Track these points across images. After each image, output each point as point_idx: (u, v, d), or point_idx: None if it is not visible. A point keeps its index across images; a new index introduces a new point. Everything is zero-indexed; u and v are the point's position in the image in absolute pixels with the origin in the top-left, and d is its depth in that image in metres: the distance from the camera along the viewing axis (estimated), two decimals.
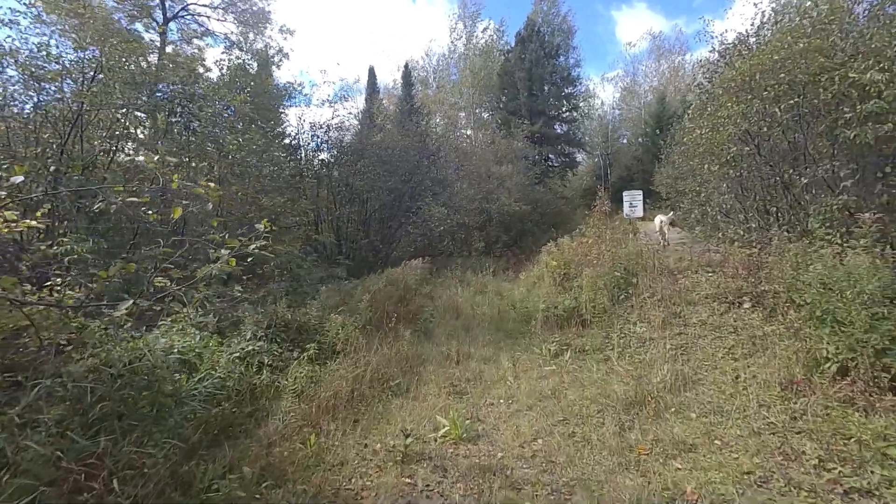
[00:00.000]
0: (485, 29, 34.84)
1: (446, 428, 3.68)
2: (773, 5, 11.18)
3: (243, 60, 20.55)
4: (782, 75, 6.95)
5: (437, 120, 34.11)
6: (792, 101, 6.57)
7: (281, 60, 20.41)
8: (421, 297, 9.91)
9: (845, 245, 6.21)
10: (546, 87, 31.75)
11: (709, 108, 9.01)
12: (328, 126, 16.20)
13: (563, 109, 33.07)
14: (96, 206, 2.89)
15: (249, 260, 3.47)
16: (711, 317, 5.55)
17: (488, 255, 20.77)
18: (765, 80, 7.20)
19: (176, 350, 3.73)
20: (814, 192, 7.43)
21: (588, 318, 6.20)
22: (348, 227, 14.81)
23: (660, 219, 11.92)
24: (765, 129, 7.14)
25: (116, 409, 3.16)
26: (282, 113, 18.32)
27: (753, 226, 8.32)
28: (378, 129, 18.09)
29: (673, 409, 3.66)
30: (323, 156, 16.36)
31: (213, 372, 3.82)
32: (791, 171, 7.48)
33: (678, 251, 8.46)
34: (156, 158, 2.46)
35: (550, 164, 33.77)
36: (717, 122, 8.38)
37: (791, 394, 3.64)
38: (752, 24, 9.69)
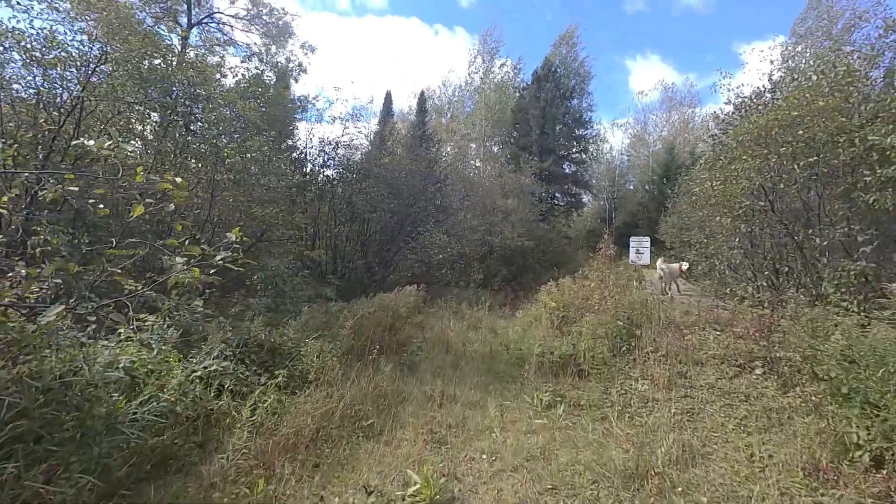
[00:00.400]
0: (502, 65, 35.55)
1: (417, 486, 3.19)
2: (790, 62, 11.18)
3: (261, 71, 20.79)
4: (801, 132, 6.74)
5: (448, 149, 34.37)
6: (812, 159, 6.32)
7: (299, 75, 20.56)
8: (411, 327, 9.44)
9: (863, 314, 5.83)
10: (558, 127, 32.07)
11: (721, 160, 8.80)
12: (336, 143, 16.11)
13: (573, 150, 33.31)
14: (47, 194, 2.52)
15: (233, 272, 3.09)
16: (720, 380, 5.10)
17: (486, 287, 20.35)
18: (782, 136, 6.99)
19: (121, 365, 3.28)
20: (828, 255, 7.10)
21: (586, 368, 5.74)
22: (346, 245, 14.46)
23: (660, 266, 11.22)
24: (781, 185, 6.88)
25: (35, 429, 2.71)
26: (293, 127, 18.36)
27: (764, 284, 7.96)
28: (388, 152, 17.99)
29: (680, 489, 3.18)
30: (328, 172, 16.22)
31: (161, 394, 3.36)
32: (805, 231, 7.17)
33: (684, 304, 8.05)
34: (107, 144, 2.12)
35: (556, 202, 33.77)
36: (730, 175, 8.15)
37: (817, 482, 3.16)
38: (770, 80, 9.62)
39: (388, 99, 38.01)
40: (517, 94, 34.35)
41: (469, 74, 35.86)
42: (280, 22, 20.36)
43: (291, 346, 5.06)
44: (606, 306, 6.76)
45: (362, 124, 18.49)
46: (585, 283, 8.21)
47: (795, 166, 6.33)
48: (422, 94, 31.71)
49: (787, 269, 7.80)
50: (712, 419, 4.32)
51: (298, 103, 18.38)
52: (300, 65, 20.54)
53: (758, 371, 5.21)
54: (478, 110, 35.54)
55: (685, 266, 10.56)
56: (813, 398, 4.22)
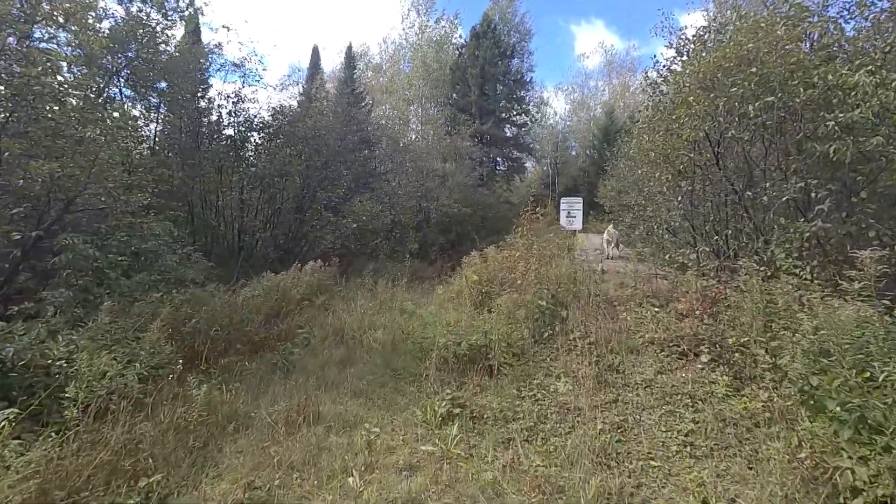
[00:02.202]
0: (438, 19, 33.09)
1: None
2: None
3: (146, 13, 17.47)
4: (753, 69, 5.66)
5: (386, 110, 32.03)
6: (769, 99, 5.26)
7: (193, 14, 17.43)
8: (313, 310, 7.92)
9: (817, 283, 4.96)
10: (498, 87, 30.53)
11: (661, 110, 7.72)
12: (237, 95, 13.77)
13: (514, 112, 32.01)
14: None
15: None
16: (660, 374, 4.03)
17: (423, 258, 19.05)
18: (732, 75, 5.90)
19: None
20: (774, 215, 6.24)
21: (497, 362, 4.50)
22: (245, 217, 12.43)
23: (609, 232, 10.82)
24: (731, 133, 5.82)
25: None
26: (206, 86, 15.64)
27: (706, 249, 7.08)
28: (313, 112, 15.69)
29: None
30: (229, 132, 13.91)
31: None
32: (751, 188, 6.26)
33: (620, 273, 7.04)
34: None
35: (497, 167, 32.65)
36: (672, 125, 7.07)
37: None
38: (715, 20, 8.56)
39: (316, 55, 34.67)
40: (456, 52, 32.27)
41: (404, 30, 33.21)
42: None
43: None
44: (529, 281, 5.54)
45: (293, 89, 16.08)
46: (510, 252, 6.98)
47: (750, 108, 5.26)
48: (349, 48, 29.00)
49: (730, 232, 6.91)
50: (650, 437, 3.19)
51: (194, 54, 15.57)
52: (192, 2, 17.36)
53: (703, 359, 4.18)
54: (415, 69, 33.14)
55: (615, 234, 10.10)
56: (776, 400, 3.20)
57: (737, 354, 4.01)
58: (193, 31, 19.43)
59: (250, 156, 13.72)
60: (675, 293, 5.62)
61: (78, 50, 12.80)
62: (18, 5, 14.62)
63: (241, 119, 13.50)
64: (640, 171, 10.61)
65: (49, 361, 3.37)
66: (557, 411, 3.63)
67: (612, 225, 11.54)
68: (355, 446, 3.40)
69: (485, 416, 3.74)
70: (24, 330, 3.54)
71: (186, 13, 17.78)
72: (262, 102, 14.71)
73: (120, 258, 5.91)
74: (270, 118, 13.87)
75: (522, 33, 33.42)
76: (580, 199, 9.17)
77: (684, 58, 8.13)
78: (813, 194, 5.44)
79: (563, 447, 3.13)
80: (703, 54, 7.04)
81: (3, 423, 2.72)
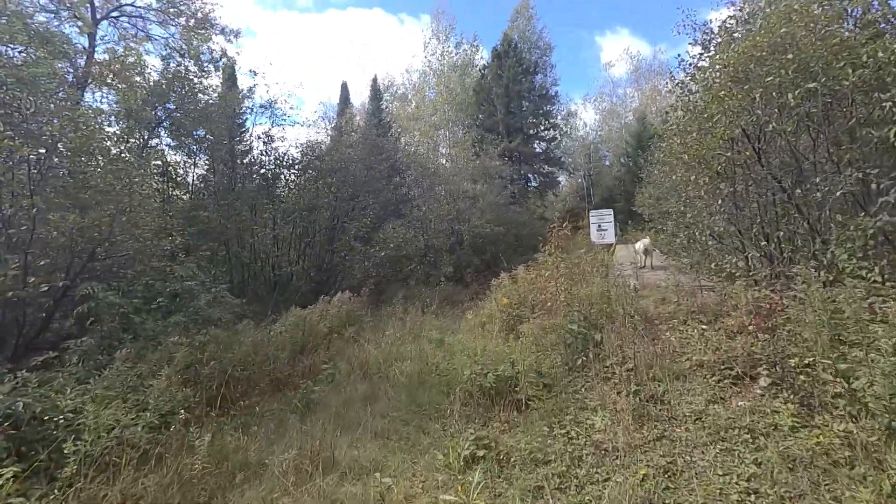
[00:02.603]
0: (458, 44, 33.56)
1: None
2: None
3: (183, 67, 18.67)
4: (790, 55, 5.16)
5: (416, 137, 32.48)
6: (810, 85, 4.74)
7: (224, 63, 18.49)
8: (341, 343, 7.78)
9: (885, 285, 4.32)
10: (524, 104, 30.40)
11: (691, 109, 7.22)
12: (268, 136, 14.30)
13: (542, 128, 31.72)
14: None
15: None
16: (712, 404, 3.53)
17: (459, 280, 18.80)
18: (767, 64, 5.40)
19: None
20: (829, 212, 5.59)
21: (526, 396, 4.11)
22: (279, 252, 12.64)
23: (644, 243, 10.41)
24: (771, 126, 5.28)
25: None
26: (241, 127, 16.48)
27: (757, 255, 6.45)
28: (344, 145, 16.07)
29: None
30: (262, 171, 14.39)
31: None
32: (800, 183, 5.64)
33: (661, 287, 6.50)
34: None
35: (529, 184, 32.23)
36: (705, 124, 6.56)
37: None
38: (741, 10, 8.05)
39: (345, 90, 36.04)
40: (479, 73, 32.54)
41: (426, 57, 33.86)
42: (198, 13, 18.20)
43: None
44: (558, 303, 5.15)
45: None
46: (538, 272, 6.61)
47: (790, 96, 4.74)
48: (374, 80, 29.78)
49: (782, 233, 6.26)
50: (704, 483, 2.72)
51: (230, 99, 16.42)
52: (225, 53, 18.43)
53: (762, 383, 3.65)
54: (440, 94, 33.62)
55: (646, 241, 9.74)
56: (857, 434, 2.67)
57: (801, 377, 3.47)
58: (229, 78, 20.63)
59: (281, 192, 14.10)
60: (723, 307, 5.06)
61: (119, 106, 13.75)
62: (72, 70, 15.89)
63: (271, 158, 13.95)
64: (675, 176, 10.03)
65: (51, 413, 3.32)
66: (594, 452, 3.21)
67: (647, 236, 11.08)
68: (369, 498, 3.11)
69: (512, 459, 3.36)
70: (39, 382, 3.53)
71: (221, 62, 18.95)
72: (292, 139, 15.16)
73: (153, 302, 6.01)
74: (299, 154, 14.28)
75: (543, 48, 33.40)
76: (611, 212, 8.66)
77: (711, 53, 7.64)
78: (873, 185, 4.81)
79: (600, 498, 2.72)
80: (732, 46, 6.58)
81: (2, 482, 2.64)
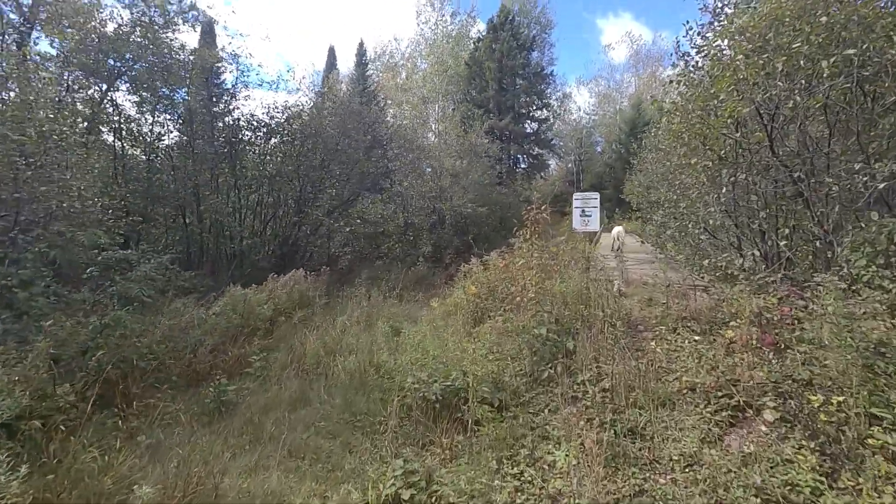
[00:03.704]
0: (453, 13, 31.92)
1: None
2: None
3: (149, 18, 17.03)
4: (824, 18, 4.29)
5: (407, 110, 31.05)
6: (849, 52, 3.89)
7: (195, 18, 16.90)
8: (287, 328, 6.91)
9: None
10: (517, 82, 29.14)
11: (695, 84, 6.34)
12: (231, 92, 13.03)
13: (535, 107, 30.57)
14: None
15: None
16: (706, 445, 2.76)
17: (437, 261, 17.99)
18: (794, 30, 4.53)
19: None
20: (839, 209, 4.85)
21: (473, 417, 3.31)
22: (237, 222, 11.56)
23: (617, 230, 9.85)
24: (794, 100, 4.41)
25: None
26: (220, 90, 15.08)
27: (756, 253, 5.72)
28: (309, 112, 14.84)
29: None
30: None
31: None
32: (814, 175, 4.88)
33: (647, 284, 5.73)
34: None
35: (518, 165, 31.28)
36: (710, 102, 5.70)
37: None
38: None
39: (332, 55, 34.27)
40: (473, 46, 31.05)
41: (418, 25, 32.19)
42: None
43: None
44: (528, 299, 4.33)
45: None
46: (509, 260, 5.78)
47: (824, 64, 3.89)
48: (360, 45, 28.16)
49: (787, 231, 5.50)
50: None
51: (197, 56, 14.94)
52: (194, 5, 16.82)
53: (768, 417, 2.90)
54: (431, 66, 32.09)
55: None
56: None
57: (822, 415, 2.72)
58: (207, 34, 19.03)
59: (245, 158, 12.95)
60: (719, 312, 4.31)
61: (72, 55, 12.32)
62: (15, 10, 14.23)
63: (232, 118, 12.73)
64: (668, 163, 9.23)
65: None
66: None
67: (620, 225, 10.77)
68: None
69: (450, 501, 2.57)
70: None
71: (191, 15, 17.32)
72: (259, 102, 13.92)
73: (50, 273, 5.03)
74: (266, 116, 13.05)
75: (543, 24, 32.01)
76: (597, 195, 7.82)
77: (722, 20, 6.72)
78: None
79: None
80: (750, 10, 5.69)
81: None
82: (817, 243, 4.98)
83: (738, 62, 4.75)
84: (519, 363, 3.89)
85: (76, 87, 12.98)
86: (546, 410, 3.34)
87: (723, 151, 5.84)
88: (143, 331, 5.12)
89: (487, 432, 3.15)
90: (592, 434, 2.80)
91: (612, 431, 2.86)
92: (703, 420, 2.94)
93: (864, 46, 3.87)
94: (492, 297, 6.24)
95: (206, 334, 5.63)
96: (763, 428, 2.89)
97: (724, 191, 5.24)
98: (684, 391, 3.24)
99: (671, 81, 6.17)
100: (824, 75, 3.95)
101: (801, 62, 4.17)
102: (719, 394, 3.10)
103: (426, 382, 3.66)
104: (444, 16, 31.82)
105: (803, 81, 4.33)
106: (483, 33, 29.96)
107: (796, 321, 3.64)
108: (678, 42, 7.63)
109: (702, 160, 5.78)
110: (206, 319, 5.89)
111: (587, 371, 3.48)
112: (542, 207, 5.33)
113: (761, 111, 5.11)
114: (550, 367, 3.58)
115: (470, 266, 7.38)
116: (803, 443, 2.61)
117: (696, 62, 7.14)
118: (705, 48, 6.69)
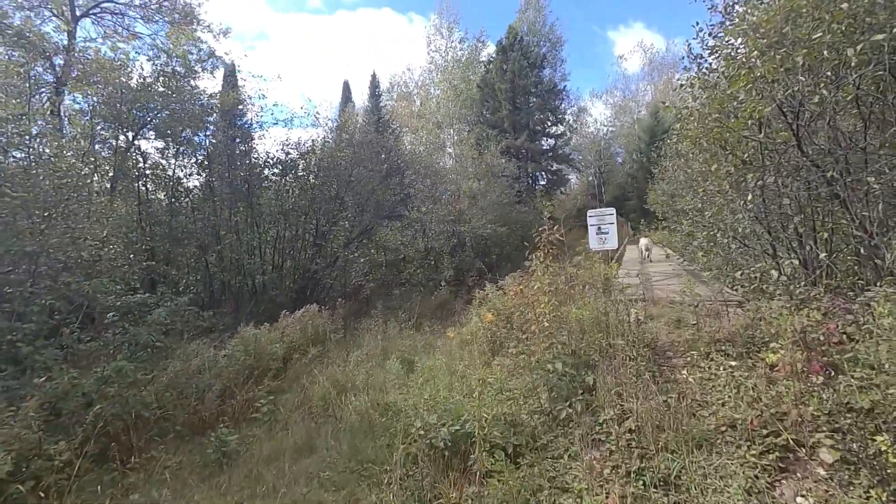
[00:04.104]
0: (461, 39, 32.38)
1: None
2: None
3: (171, 67, 17.89)
4: (844, 5, 3.94)
5: (423, 136, 31.37)
6: (878, 37, 3.52)
7: (213, 65, 17.63)
8: (300, 367, 6.73)
9: None
10: (531, 100, 29.14)
11: (710, 85, 5.99)
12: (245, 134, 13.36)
13: (549, 123, 30.41)
14: None
15: None
16: (753, 497, 2.36)
17: (460, 284, 17.73)
18: (814, 19, 4.19)
19: None
20: (880, 206, 4.39)
21: (481, 469, 2.98)
22: (255, 259, 11.65)
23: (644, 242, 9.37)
24: (819, 94, 4.03)
25: None
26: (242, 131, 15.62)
27: (794, 262, 5.26)
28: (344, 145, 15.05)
29: None
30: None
31: None
32: (846, 174, 4.45)
33: (675, 302, 5.30)
34: None
35: (537, 182, 30.95)
36: (728, 104, 5.34)
37: None
38: None
39: (347, 89, 35.25)
40: (483, 68, 31.35)
41: (429, 53, 32.79)
42: (182, 6, 17.40)
43: None
44: (543, 328, 3.99)
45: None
46: (524, 285, 5.46)
47: (850, 52, 3.52)
48: (373, 76, 28.81)
49: (826, 235, 5.03)
50: None
51: (209, 99, 15.55)
52: (213, 52, 17.57)
53: (826, 457, 2.48)
54: (444, 92, 32.50)
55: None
56: None
57: (890, 456, 2.29)
58: (229, 77, 19.89)
59: (261, 195, 13.17)
60: (756, 331, 3.88)
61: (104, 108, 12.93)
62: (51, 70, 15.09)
63: (250, 158, 13.02)
64: (690, 170, 8.81)
65: None
66: None
67: (646, 237, 10.15)
68: None
69: None
70: None
71: (210, 63, 18.13)
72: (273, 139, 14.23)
73: (52, 324, 5.04)
74: (282, 154, 13.30)
75: (553, 42, 32.13)
76: (613, 211, 7.40)
77: (734, 19, 6.39)
78: None
79: None
80: (763, 6, 5.37)
81: None
82: (861, 249, 4.51)
83: (753, 59, 4.42)
84: (535, 399, 3.55)
85: (104, 136, 13.62)
86: (566, 456, 2.99)
87: (746, 155, 5.44)
88: (149, 379, 5.02)
89: (498, 485, 2.82)
90: (617, 486, 2.44)
91: (641, 482, 2.49)
92: (748, 465, 2.53)
93: (895, 31, 3.50)
94: (508, 324, 5.93)
95: (215, 378, 5.49)
96: (821, 471, 2.47)
97: (750, 197, 4.82)
98: (722, 429, 2.84)
99: (682, 85, 5.83)
100: (852, 65, 3.58)
101: (825, 52, 3.81)
102: (764, 431, 2.69)
103: (434, 426, 3.37)
104: (453, 42, 32.32)
105: (829, 73, 3.96)
106: (493, 55, 30.23)
107: (846, 337, 3.21)
108: (689, 45, 7.33)
109: (723, 166, 5.39)
110: (217, 362, 5.78)
111: (609, 408, 3.12)
112: (555, 227, 5.02)
113: (784, 109, 4.73)
114: (569, 405, 3.23)
115: (486, 292, 7.08)
116: (871, 492, 2.19)
117: (710, 64, 6.82)
118: (718, 48, 6.37)
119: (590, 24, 63.29)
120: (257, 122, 15.86)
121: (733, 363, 3.43)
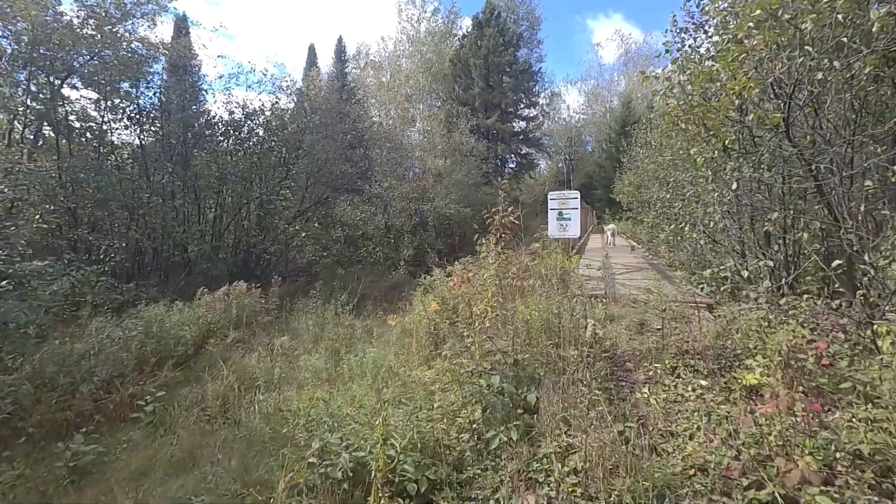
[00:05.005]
0: (435, 10, 30.87)
1: None
2: None
3: (105, 9, 15.83)
4: None
5: (392, 110, 29.91)
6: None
7: (154, 10, 15.71)
8: (212, 356, 5.83)
9: None
10: (504, 79, 28.22)
11: (695, 60, 5.37)
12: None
13: (522, 105, 29.69)
14: None
15: None
16: None
17: (420, 264, 16.98)
18: None
19: None
20: (864, 210, 3.92)
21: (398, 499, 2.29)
22: (175, 224, 10.39)
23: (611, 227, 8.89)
24: (835, 65, 3.40)
25: None
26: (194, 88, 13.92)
27: (769, 263, 4.76)
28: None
29: None
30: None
31: None
32: (833, 169, 3.94)
33: (638, 301, 4.73)
34: None
35: (506, 165, 30.33)
36: (713, 80, 4.71)
37: None
38: None
39: (312, 52, 33.22)
40: (457, 43, 30.07)
41: (400, 23, 31.12)
42: None
43: None
44: (483, 329, 3.30)
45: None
46: (468, 276, 4.77)
47: (873, 14, 2.90)
48: (339, 39, 27.13)
49: (806, 236, 4.53)
50: None
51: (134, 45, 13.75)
52: None
53: None
54: (415, 63, 31.01)
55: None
56: None
57: None
58: (178, 29, 17.86)
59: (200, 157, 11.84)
60: (728, 340, 3.34)
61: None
62: None
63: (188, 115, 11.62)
64: (661, 158, 8.31)
65: None
66: None
67: (612, 223, 9.74)
68: None
69: None
70: None
71: (149, 7, 16.14)
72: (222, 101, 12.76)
73: None
74: (225, 113, 11.95)
75: (531, 21, 31.16)
76: (577, 195, 6.75)
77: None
78: None
79: None
80: None
81: None
82: (848, 253, 4.03)
83: (749, 28, 3.77)
84: (467, 415, 2.87)
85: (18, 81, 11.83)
86: (494, 499, 2.32)
87: (727, 140, 4.87)
88: (9, 367, 4.04)
89: None
90: None
91: None
92: None
93: None
94: (455, 314, 5.26)
95: (101, 366, 4.55)
96: None
97: (735, 186, 4.24)
98: (691, 472, 2.24)
99: (667, 51, 5.16)
100: (875, 29, 2.93)
101: (838, 16, 3.15)
102: (745, 481, 2.10)
103: (333, 451, 2.63)
104: (426, 12, 30.78)
105: (833, 46, 3.33)
106: (468, 30, 29.01)
107: (834, 362, 2.68)
108: (674, 17, 6.66)
109: (704, 150, 4.80)
110: (106, 346, 4.81)
111: (552, 436, 2.47)
112: (510, 209, 4.31)
113: (776, 89, 4.15)
114: (503, 430, 2.56)
115: (433, 277, 6.36)
116: None
117: (694, 39, 6.21)
118: (709, 14, 5.69)
119: (570, 11, 62.38)
120: (218, 81, 14.26)
121: (703, 382, 2.85)
